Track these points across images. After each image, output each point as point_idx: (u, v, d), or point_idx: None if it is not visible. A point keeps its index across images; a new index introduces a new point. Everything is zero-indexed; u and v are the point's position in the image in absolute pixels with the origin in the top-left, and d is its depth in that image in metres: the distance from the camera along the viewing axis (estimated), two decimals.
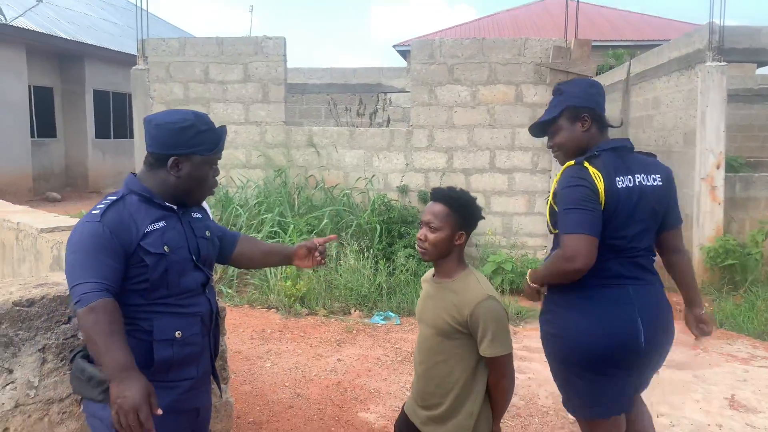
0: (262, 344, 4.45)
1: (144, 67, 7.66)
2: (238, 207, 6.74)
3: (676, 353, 4.55)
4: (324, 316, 5.20)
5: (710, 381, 4.06)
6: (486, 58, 7.09)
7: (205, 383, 1.88)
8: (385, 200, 6.92)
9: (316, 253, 2.14)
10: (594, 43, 8.00)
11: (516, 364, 4.26)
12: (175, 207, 1.81)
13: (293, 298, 5.35)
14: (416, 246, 2.06)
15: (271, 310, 5.33)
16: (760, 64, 12.47)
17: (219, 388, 2.09)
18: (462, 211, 1.98)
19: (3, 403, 1.75)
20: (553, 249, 2.32)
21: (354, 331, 4.84)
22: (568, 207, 2.12)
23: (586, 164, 2.16)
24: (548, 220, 2.30)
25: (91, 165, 15.44)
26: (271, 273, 5.69)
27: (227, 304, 5.41)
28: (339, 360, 4.19)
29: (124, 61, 14.49)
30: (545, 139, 2.43)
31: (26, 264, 3.07)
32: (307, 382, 3.78)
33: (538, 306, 2.46)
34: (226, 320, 4.93)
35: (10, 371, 1.76)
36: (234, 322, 4.91)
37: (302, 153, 7.41)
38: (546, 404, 3.66)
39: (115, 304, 1.57)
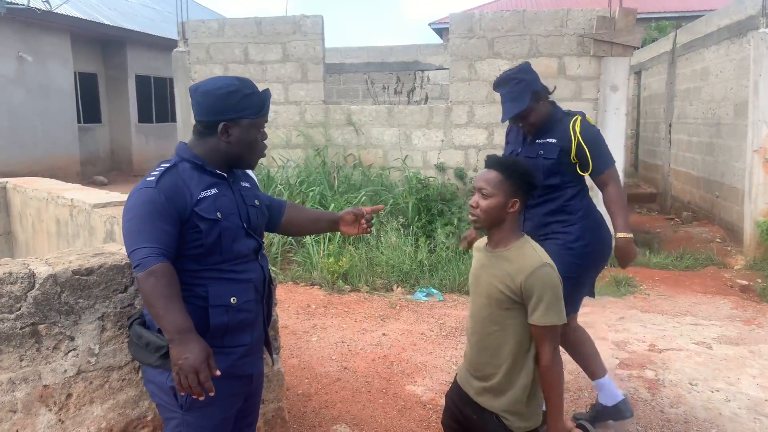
0: (308, 319, 4.50)
1: (184, 49, 7.74)
2: (279, 186, 6.80)
3: (730, 329, 4.44)
4: (367, 292, 5.22)
5: (766, 356, 3.93)
6: (527, 31, 6.92)
7: (258, 351, 1.90)
8: (421, 178, 6.87)
9: (363, 221, 2.15)
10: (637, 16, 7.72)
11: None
12: (225, 174, 1.81)
13: (336, 275, 5.38)
14: (469, 214, 2.04)
15: (315, 286, 5.38)
16: None
17: (271, 356, 2.11)
18: (516, 177, 1.94)
19: (66, 370, 1.80)
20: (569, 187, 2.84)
21: (397, 307, 4.85)
22: (604, 146, 2.82)
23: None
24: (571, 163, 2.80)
25: (134, 149, 15.81)
26: (313, 250, 5.74)
27: None
28: (384, 335, 4.21)
29: (164, 45, 14.71)
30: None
31: (80, 239, 3.16)
32: (354, 356, 3.81)
33: None
34: None
35: (72, 339, 1.81)
36: (280, 298, 4.98)
37: (341, 132, 7.40)
38: None
39: (171, 268, 1.60)
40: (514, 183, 1.94)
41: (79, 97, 14.65)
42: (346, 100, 11.37)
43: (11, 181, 4.35)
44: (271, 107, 7.52)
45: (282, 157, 7.45)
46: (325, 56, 7.64)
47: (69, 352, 1.81)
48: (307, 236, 5.97)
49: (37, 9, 11.53)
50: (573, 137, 2.75)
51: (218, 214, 1.71)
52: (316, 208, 6.43)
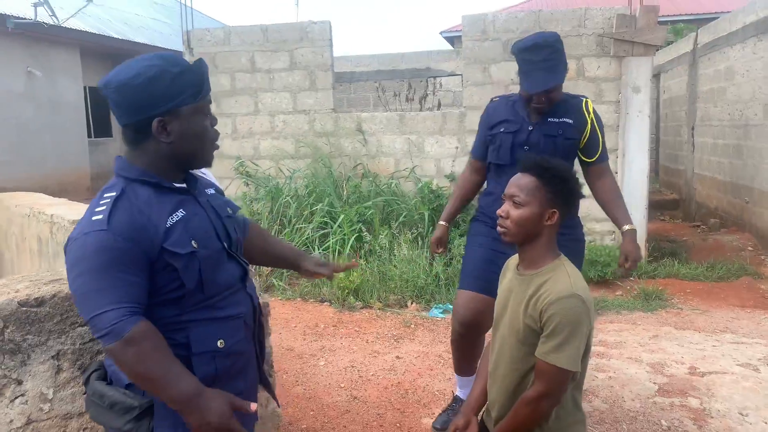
0: (316, 340, 4.18)
1: (190, 59, 7.52)
2: (287, 198, 6.53)
3: None
4: (379, 309, 4.90)
5: None
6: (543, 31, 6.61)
7: (252, 396, 1.60)
8: (432, 187, 6.56)
9: (327, 271, 1.82)
10: None
11: (594, 361, 3.87)
12: (185, 186, 1.46)
13: (347, 291, 5.07)
14: (498, 225, 1.72)
15: (325, 303, 5.07)
16: None
17: (274, 398, 1.77)
18: (556, 184, 1.63)
19: (12, 420, 1.51)
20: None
21: (412, 326, 4.52)
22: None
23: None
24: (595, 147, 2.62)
25: None
26: None
27: (278, 298, 5.18)
28: (398, 357, 3.88)
29: None
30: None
31: (60, 259, 2.89)
32: (365, 383, 3.48)
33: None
34: (278, 315, 4.70)
35: (20, 382, 1.52)
36: (286, 317, 4.68)
37: (351, 141, 7.12)
38: (633, 407, 3.24)
39: (150, 325, 1.29)
40: (553, 190, 1.63)
41: (90, 112, 14.55)
42: (357, 109, 11.12)
43: None
44: (280, 117, 7.34)
45: (290, 167, 7.18)
46: (334, 64, 7.38)
47: (16, 398, 1.52)
48: (317, 250, 5.67)
49: (45, 24, 11.43)
50: (588, 119, 2.57)
51: (193, 243, 1.37)
52: (324, 220, 6.14)
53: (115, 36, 14.33)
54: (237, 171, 7.32)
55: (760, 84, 7.25)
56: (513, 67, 6.70)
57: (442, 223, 2.91)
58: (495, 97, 2.80)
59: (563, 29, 6.55)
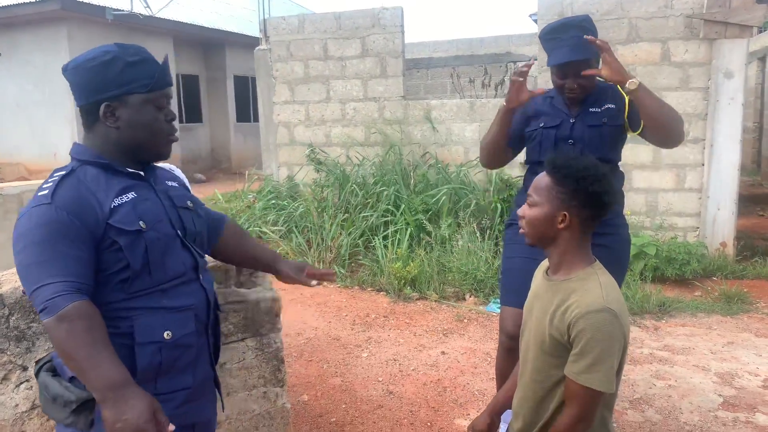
0: (364, 331, 4.18)
1: (266, 47, 7.69)
2: (354, 185, 6.56)
3: None
4: (435, 301, 4.83)
5: None
6: (626, 13, 6.20)
7: (204, 393, 1.55)
8: (504, 177, 6.35)
9: (307, 278, 1.75)
10: None
11: (654, 367, 3.62)
12: (142, 173, 1.47)
13: (403, 281, 5.03)
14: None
15: (381, 292, 5.06)
16: None
17: (221, 399, 1.68)
18: (567, 184, 1.49)
19: (17, 404, 1.60)
20: None
21: (465, 320, 4.42)
22: None
23: None
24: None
25: (233, 148, 16.28)
26: (381, 253, 5.42)
27: (337, 285, 5.22)
28: (443, 353, 3.80)
29: (248, 44, 15.00)
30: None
31: None
32: (403, 378, 3.44)
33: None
34: (332, 303, 4.73)
35: (24, 368, 1.60)
36: (339, 305, 4.71)
37: (420, 128, 7.04)
38: (690, 420, 3.00)
39: (91, 305, 1.27)
40: (564, 190, 1.49)
41: (182, 99, 15.27)
42: (433, 96, 10.97)
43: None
44: (351, 104, 7.37)
45: (359, 155, 7.20)
46: (411, 51, 7.31)
47: (21, 383, 1.60)
48: (376, 239, 5.67)
49: (141, 14, 12.06)
50: (625, 96, 2.39)
51: (141, 223, 1.37)
52: (389, 207, 6.10)
53: (207, 25, 14.90)
54: (308, 158, 7.45)
55: None
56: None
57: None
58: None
59: (648, 10, 6.12)
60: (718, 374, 3.53)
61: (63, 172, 1.39)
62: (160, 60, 1.48)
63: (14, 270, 1.67)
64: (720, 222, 6.07)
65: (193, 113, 15.87)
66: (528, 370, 1.62)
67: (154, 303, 1.39)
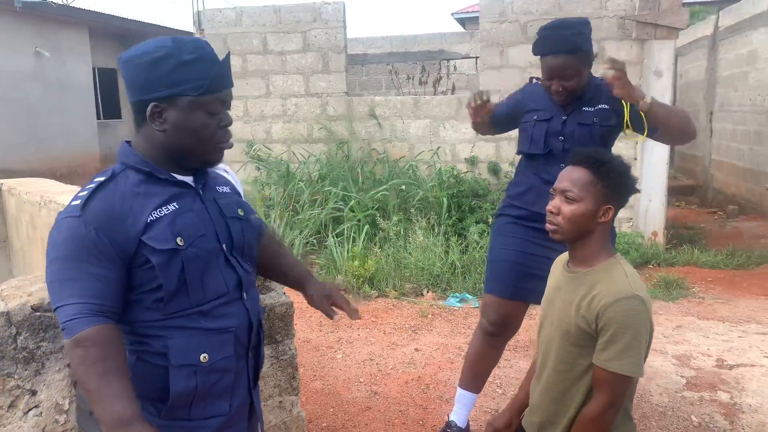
0: (332, 331, 4.10)
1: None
2: (300, 182, 6.42)
3: None
4: (395, 298, 4.81)
5: None
6: (563, 13, 6.41)
7: (240, 420, 1.43)
8: (454, 172, 6.43)
9: (331, 310, 1.66)
10: None
11: None
12: (190, 180, 1.34)
13: (361, 279, 4.98)
14: (546, 221, 1.61)
15: (340, 292, 4.96)
16: None
17: (261, 426, 1.56)
18: (612, 178, 1.52)
19: None
20: None
21: (429, 316, 4.43)
22: None
23: None
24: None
25: None
26: (337, 252, 5.34)
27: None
28: (416, 350, 3.79)
29: None
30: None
31: None
32: (384, 377, 3.40)
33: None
34: (295, 305, 4.62)
35: (33, 393, 1.43)
36: (301, 307, 4.57)
37: (365, 125, 6.99)
38: (661, 402, 3.15)
39: (110, 331, 1.17)
40: (609, 185, 1.52)
41: (99, 93, 14.45)
42: (369, 92, 10.95)
43: (6, 183, 3.97)
44: (292, 100, 7.19)
45: (303, 151, 7.06)
46: (347, 46, 7.22)
47: (30, 410, 1.43)
48: (330, 237, 5.58)
49: (54, 3, 11.30)
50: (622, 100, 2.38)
51: (179, 239, 1.25)
52: (338, 205, 6.02)
53: (125, 15, 14.17)
54: (248, 155, 7.22)
55: None
56: (531, 50, 6.55)
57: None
58: (534, 78, 2.60)
59: (584, 11, 6.36)
60: (675, 357, 3.72)
61: (102, 178, 1.27)
62: (221, 58, 1.34)
63: (18, 284, 1.49)
64: (651, 213, 6.41)
65: (111, 109, 15.06)
66: (551, 362, 1.63)
67: (190, 323, 1.28)
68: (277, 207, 6.16)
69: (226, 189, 1.44)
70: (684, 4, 6.32)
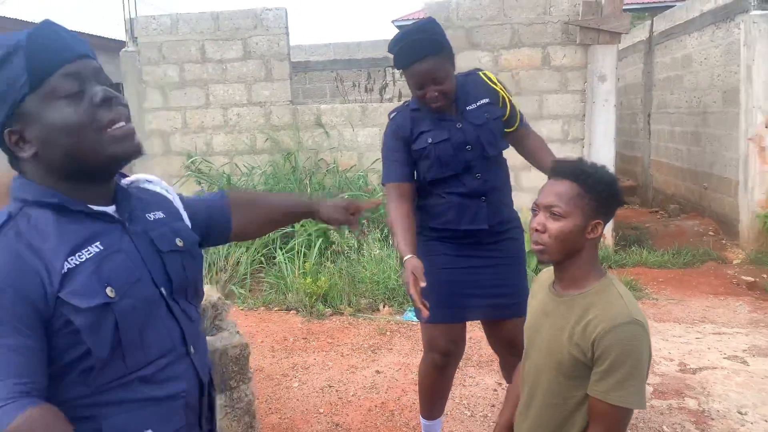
0: (286, 357, 3.86)
1: (134, 48, 7.01)
2: None
3: (757, 337, 3.97)
4: (351, 315, 4.62)
5: None
6: (508, 19, 6.42)
7: None
8: None
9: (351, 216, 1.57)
10: None
11: None
12: (112, 211, 1.07)
13: (314, 297, 4.77)
14: (531, 241, 1.47)
15: (291, 311, 4.74)
16: None
17: None
18: (600, 191, 1.40)
19: None
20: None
21: (387, 333, 4.25)
22: None
23: None
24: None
25: None
26: (287, 268, 5.10)
27: (240, 308, 4.82)
28: (378, 372, 3.60)
29: (116, 48, 13.79)
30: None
31: None
32: (345, 406, 3.19)
33: None
34: (241, 328, 4.32)
35: None
36: (250, 330, 4.32)
37: (311, 134, 6.78)
38: None
39: (48, 410, 0.92)
40: (597, 198, 1.39)
41: None
42: (313, 100, 10.73)
43: None
44: (234, 110, 6.88)
45: (246, 163, 6.78)
46: (291, 53, 7.00)
47: None
48: (279, 253, 5.33)
49: None
50: (496, 88, 2.33)
51: (108, 290, 0.98)
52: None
53: (36, 22, 13.43)
54: (188, 168, 6.88)
55: (719, 72, 7.27)
56: (477, 56, 6.52)
57: (411, 256, 2.10)
58: (392, 112, 2.39)
59: (528, 17, 6.38)
60: None
61: None
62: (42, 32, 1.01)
63: None
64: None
65: None
66: (540, 394, 1.50)
67: (130, 394, 1.02)
68: None
69: (159, 215, 1.16)
70: (624, 10, 6.42)
